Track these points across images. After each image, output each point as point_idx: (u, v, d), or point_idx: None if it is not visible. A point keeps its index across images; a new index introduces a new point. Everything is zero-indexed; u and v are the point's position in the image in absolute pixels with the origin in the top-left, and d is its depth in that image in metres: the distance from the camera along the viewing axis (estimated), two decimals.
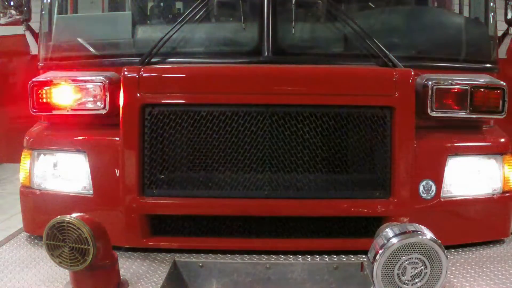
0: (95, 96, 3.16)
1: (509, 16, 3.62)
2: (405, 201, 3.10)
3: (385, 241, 2.51)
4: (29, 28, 3.73)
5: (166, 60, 3.29)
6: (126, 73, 3.08)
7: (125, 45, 3.59)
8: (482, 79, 3.25)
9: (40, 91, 3.20)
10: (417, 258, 2.48)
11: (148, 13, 4.29)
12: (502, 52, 3.67)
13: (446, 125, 3.33)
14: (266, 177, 3.07)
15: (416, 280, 2.49)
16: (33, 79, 3.24)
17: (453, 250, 3.22)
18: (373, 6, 3.94)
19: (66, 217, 2.56)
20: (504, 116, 3.23)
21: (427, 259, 2.49)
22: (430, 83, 3.12)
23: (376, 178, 3.12)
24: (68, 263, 2.57)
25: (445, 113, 3.19)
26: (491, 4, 3.62)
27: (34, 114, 3.30)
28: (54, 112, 3.24)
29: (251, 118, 3.03)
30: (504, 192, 3.33)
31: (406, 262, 2.48)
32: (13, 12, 3.58)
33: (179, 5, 4.17)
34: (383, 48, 3.19)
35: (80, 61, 3.49)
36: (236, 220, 3.17)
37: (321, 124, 3.05)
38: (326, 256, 3.07)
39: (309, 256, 3.07)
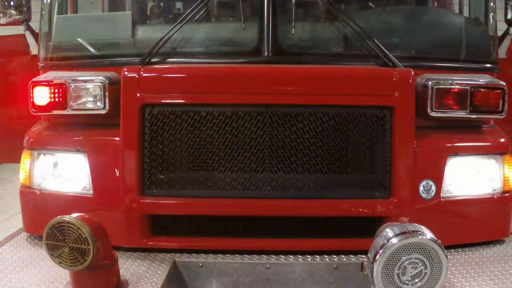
0: (95, 96, 3.16)
1: (509, 16, 3.62)
2: (405, 201, 3.10)
3: (385, 241, 2.51)
4: (29, 28, 3.73)
5: (166, 60, 3.29)
6: (126, 73, 3.08)
7: (125, 45, 3.58)
8: (482, 79, 3.25)
9: (40, 91, 3.20)
10: (417, 258, 2.48)
11: (148, 13, 4.29)
12: (502, 52, 3.67)
13: (446, 125, 3.33)
14: (266, 177, 3.07)
15: (416, 280, 2.49)
16: (33, 79, 3.25)
17: (453, 250, 3.21)
18: (373, 6, 3.94)
19: (66, 217, 2.55)
20: (504, 116, 3.23)
21: (427, 259, 2.48)
22: (430, 83, 3.12)
23: (376, 178, 3.13)
24: (68, 263, 2.57)
25: (445, 113, 3.19)
26: (491, 4, 3.62)
27: (34, 114, 3.30)
28: (54, 112, 3.24)
29: (251, 118, 3.03)
30: (504, 192, 3.33)
31: (406, 262, 2.48)
32: (13, 12, 3.57)
33: (179, 5, 4.17)
34: (383, 48, 3.19)
35: (80, 61, 3.49)
36: (236, 220, 3.16)
37: (321, 124, 3.05)
38: (326, 256, 3.07)
39: (309, 256, 3.07)
